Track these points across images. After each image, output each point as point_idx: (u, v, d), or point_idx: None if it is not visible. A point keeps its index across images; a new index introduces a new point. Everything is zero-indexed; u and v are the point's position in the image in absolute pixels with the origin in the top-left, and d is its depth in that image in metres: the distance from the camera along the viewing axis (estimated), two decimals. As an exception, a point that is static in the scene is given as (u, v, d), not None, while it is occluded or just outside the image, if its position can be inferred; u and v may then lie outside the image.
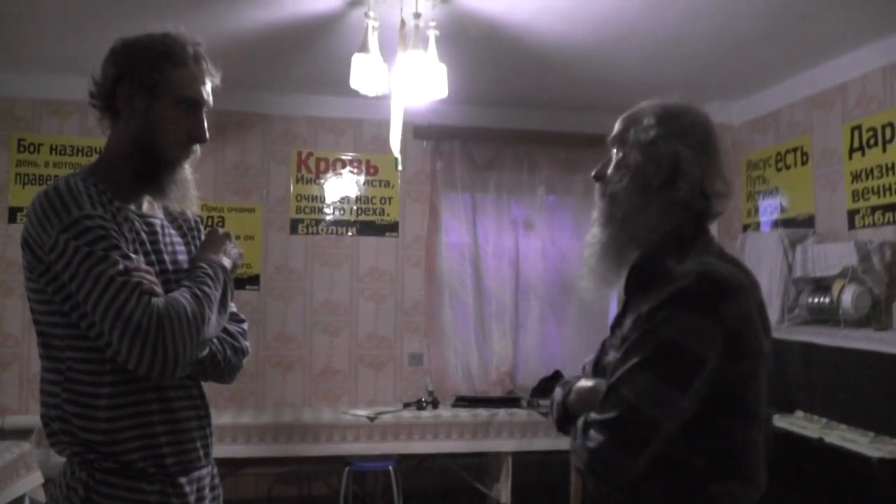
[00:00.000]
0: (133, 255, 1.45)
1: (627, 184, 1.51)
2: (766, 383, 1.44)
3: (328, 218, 5.37)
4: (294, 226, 5.33)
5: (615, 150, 1.58)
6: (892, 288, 3.86)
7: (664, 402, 1.33)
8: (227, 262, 1.65)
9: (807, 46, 4.16)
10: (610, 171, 1.57)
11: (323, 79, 4.81)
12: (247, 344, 1.71)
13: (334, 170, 5.41)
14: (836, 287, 3.91)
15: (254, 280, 5.22)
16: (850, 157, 4.25)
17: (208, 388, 1.69)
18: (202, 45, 1.64)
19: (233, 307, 1.69)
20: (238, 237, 5.13)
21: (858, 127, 4.21)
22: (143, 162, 1.56)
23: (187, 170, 1.64)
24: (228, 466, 4.62)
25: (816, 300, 4.06)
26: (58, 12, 3.77)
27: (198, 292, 1.49)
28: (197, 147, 1.63)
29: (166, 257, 1.60)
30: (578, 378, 1.61)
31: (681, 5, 3.61)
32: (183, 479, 1.52)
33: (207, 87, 1.62)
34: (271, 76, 4.87)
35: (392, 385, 5.37)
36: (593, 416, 1.40)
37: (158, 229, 1.62)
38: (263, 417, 4.65)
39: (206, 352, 1.52)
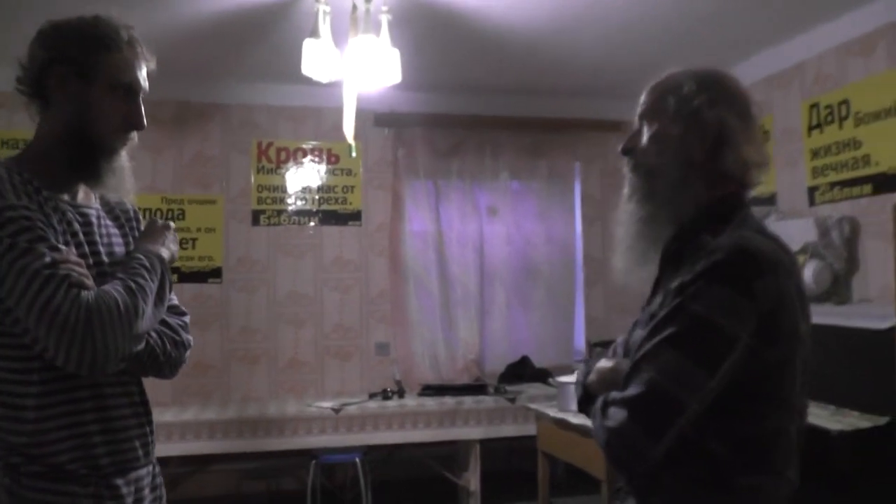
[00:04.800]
0: (62, 247, 1.39)
1: (668, 157, 1.42)
2: (801, 371, 1.36)
3: (290, 208, 5.30)
4: (256, 217, 5.25)
5: (647, 123, 1.47)
6: (851, 263, 3.89)
7: (690, 382, 1.25)
8: (164, 253, 1.59)
9: (764, 26, 4.17)
10: (644, 144, 1.46)
11: (280, 67, 4.72)
12: (189, 337, 1.65)
13: (295, 159, 5.33)
14: (797, 264, 3.93)
15: (216, 273, 5.14)
16: (809, 135, 4.27)
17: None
18: (134, 29, 1.58)
19: (174, 299, 1.64)
20: (199, 229, 5.06)
21: (816, 105, 4.23)
22: (78, 149, 1.49)
23: (124, 157, 1.58)
24: (195, 464, 4.55)
25: (778, 277, 4.07)
26: (3, 4, 3.65)
27: (132, 284, 1.43)
28: (134, 134, 1.57)
29: (102, 249, 1.53)
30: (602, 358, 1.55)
31: (636, -15, 3.59)
32: (119, 480, 1.46)
33: (143, 73, 1.56)
34: (228, 65, 4.78)
35: (359, 376, 5.32)
36: (614, 394, 1.33)
37: (94, 220, 1.56)
38: (228, 412, 4.57)
39: (141, 346, 1.46)
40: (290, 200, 5.31)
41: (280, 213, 5.29)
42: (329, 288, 5.33)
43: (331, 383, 5.27)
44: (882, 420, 3.21)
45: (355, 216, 5.39)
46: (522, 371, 5.31)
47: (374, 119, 5.26)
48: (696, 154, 1.40)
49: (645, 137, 1.47)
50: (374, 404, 4.68)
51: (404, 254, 5.36)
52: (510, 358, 5.42)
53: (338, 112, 5.13)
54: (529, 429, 4.49)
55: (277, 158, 5.31)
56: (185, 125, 5.10)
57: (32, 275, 1.32)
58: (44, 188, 1.46)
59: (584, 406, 1.48)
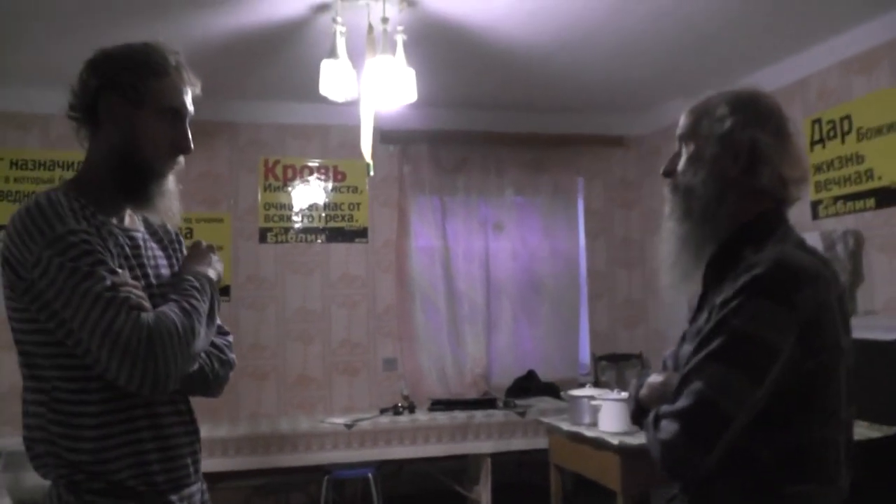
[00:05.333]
0: (119, 270, 1.43)
1: (704, 177, 1.48)
2: (846, 382, 1.40)
3: (297, 226, 5.34)
4: (263, 234, 5.29)
5: (685, 145, 1.54)
6: (856, 275, 3.95)
7: (737, 394, 1.30)
8: (212, 274, 1.63)
9: (766, 43, 4.24)
10: (681, 165, 1.53)
11: (290, 85, 4.78)
12: (233, 356, 1.69)
13: (302, 177, 5.38)
14: (802, 277, 3.98)
15: (224, 291, 5.16)
16: (812, 150, 4.34)
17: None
18: (181, 55, 1.62)
19: (218, 319, 1.67)
20: (206, 248, 5.08)
21: (819, 120, 4.30)
22: (128, 173, 1.52)
23: (171, 181, 1.62)
24: (205, 481, 4.55)
25: (784, 291, 4.13)
26: (16, 23, 3.70)
27: (186, 306, 1.47)
28: (181, 158, 1.61)
29: (150, 271, 1.57)
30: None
31: (645, 6, 3.66)
32: (174, 497, 1.50)
33: (189, 97, 1.61)
34: (237, 83, 4.82)
35: (367, 391, 5.35)
36: (665, 408, 1.37)
37: (141, 243, 1.59)
38: (239, 429, 4.60)
39: (196, 366, 1.50)
40: (296, 218, 5.35)
41: (287, 230, 5.33)
42: (336, 304, 5.37)
43: (339, 399, 5.30)
44: (892, 430, 3.26)
45: (362, 233, 5.44)
46: (529, 385, 5.35)
47: (381, 136, 5.30)
48: (730, 172, 1.46)
49: (683, 159, 1.54)
50: (385, 419, 4.71)
51: (411, 269, 5.40)
52: (516, 372, 5.46)
53: (344, 130, 5.23)
54: (539, 442, 4.52)
55: (284, 176, 5.36)
56: (193, 143, 5.12)
57: (95, 298, 1.35)
58: (97, 213, 1.50)
59: (638, 419, 1.53)
